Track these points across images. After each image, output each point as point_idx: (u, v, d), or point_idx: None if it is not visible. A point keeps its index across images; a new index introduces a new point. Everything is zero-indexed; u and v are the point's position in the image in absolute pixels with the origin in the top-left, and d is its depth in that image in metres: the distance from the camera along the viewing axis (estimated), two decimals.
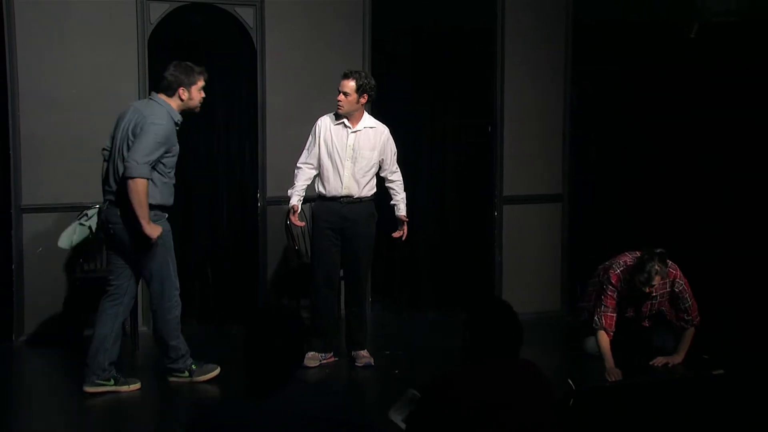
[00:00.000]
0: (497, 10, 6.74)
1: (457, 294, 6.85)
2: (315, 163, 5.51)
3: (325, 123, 5.51)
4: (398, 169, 5.69)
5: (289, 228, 6.29)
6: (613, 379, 5.28)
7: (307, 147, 5.56)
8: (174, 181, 5.09)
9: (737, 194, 6.64)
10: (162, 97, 5.05)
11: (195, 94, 5.11)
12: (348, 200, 5.48)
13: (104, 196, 5.06)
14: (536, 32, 6.84)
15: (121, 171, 4.88)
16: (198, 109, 5.19)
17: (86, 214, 5.60)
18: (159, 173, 4.96)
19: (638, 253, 5.45)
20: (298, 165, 5.56)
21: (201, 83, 5.12)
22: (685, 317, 5.55)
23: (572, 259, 7.06)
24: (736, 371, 5.30)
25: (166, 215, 5.10)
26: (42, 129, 5.90)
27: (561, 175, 7.01)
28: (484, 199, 6.96)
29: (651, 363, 5.55)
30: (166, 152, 4.95)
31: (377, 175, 5.61)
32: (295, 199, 5.49)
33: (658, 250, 5.30)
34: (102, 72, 6.01)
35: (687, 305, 5.52)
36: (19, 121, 5.92)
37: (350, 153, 5.45)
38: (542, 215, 6.99)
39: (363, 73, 5.44)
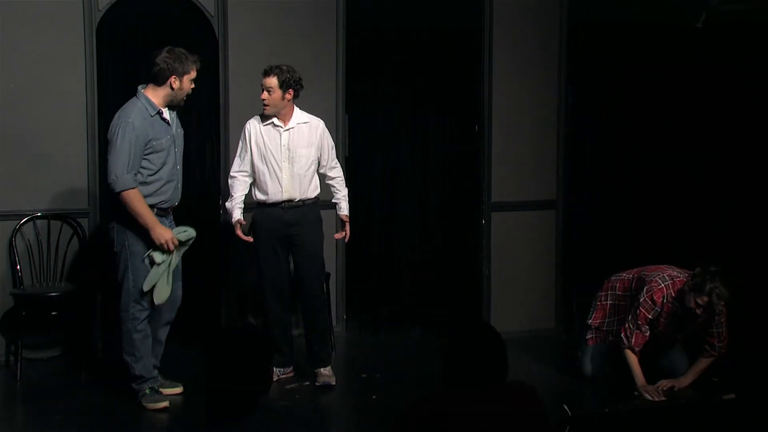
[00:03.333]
0: (486, 7, 6.73)
1: (441, 310, 6.81)
2: (249, 170, 5.46)
3: (254, 126, 5.45)
4: (338, 165, 5.66)
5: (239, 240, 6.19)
6: (654, 398, 5.28)
7: (238, 154, 5.51)
8: (165, 177, 5.10)
9: (737, 199, 6.65)
10: (149, 87, 5.06)
11: (186, 84, 5.08)
12: (290, 205, 5.44)
13: None
14: (528, 28, 6.81)
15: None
16: (183, 102, 5.18)
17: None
18: (149, 174, 5.05)
19: (676, 267, 5.43)
20: (231, 174, 5.52)
21: (194, 73, 5.10)
22: (715, 343, 5.42)
23: (567, 272, 6.99)
24: (749, 395, 5.33)
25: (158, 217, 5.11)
26: None
27: (554, 179, 6.94)
28: (470, 205, 6.91)
29: (656, 386, 5.44)
30: (147, 148, 4.97)
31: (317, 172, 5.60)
32: (237, 213, 5.46)
33: (714, 268, 5.19)
34: (44, 64, 5.89)
35: (720, 330, 5.38)
36: None
37: (286, 154, 5.40)
38: (534, 223, 6.91)
39: (285, 67, 5.35)
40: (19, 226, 5.86)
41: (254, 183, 5.47)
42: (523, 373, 4.01)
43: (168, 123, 5.12)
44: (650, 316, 5.35)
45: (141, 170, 4.99)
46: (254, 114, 6.11)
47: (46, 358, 5.92)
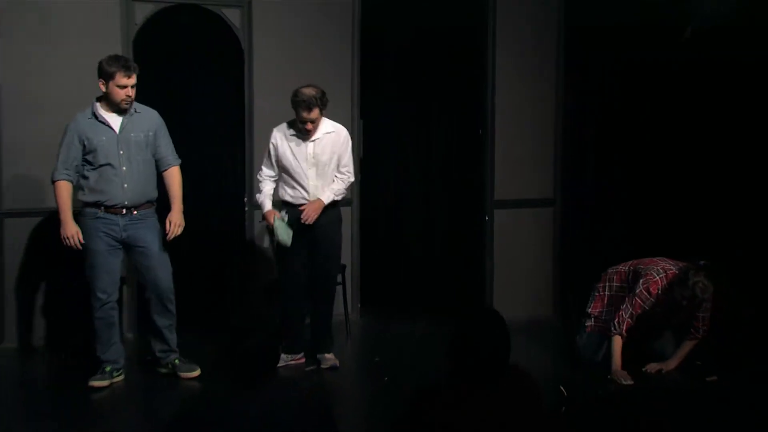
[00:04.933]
0: (488, 11, 6.74)
1: (447, 301, 6.84)
2: (276, 173, 5.49)
3: (281, 134, 5.42)
4: (350, 172, 5.56)
5: (269, 231, 6.27)
6: (623, 381, 5.26)
7: (266, 157, 5.51)
8: (105, 176, 4.99)
9: (734, 197, 6.61)
10: None
11: (112, 88, 4.96)
12: None
13: None
14: (528, 34, 6.83)
15: None
16: (122, 105, 5.01)
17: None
18: (85, 171, 5.03)
19: (671, 260, 5.43)
20: (259, 178, 5.54)
21: (120, 79, 4.94)
22: (699, 326, 5.45)
23: (565, 265, 7.03)
24: (731, 378, 5.35)
25: (97, 211, 5.05)
26: (24, 132, 5.84)
27: (553, 178, 6.98)
28: (474, 203, 6.94)
29: (644, 369, 5.45)
30: (85, 147, 4.98)
31: None
32: (268, 203, 5.45)
33: (703, 263, 5.26)
34: (86, 74, 5.80)
35: (705, 315, 5.42)
36: (0, 124, 5.88)
37: (312, 162, 5.39)
38: (534, 220, 6.96)
39: (318, 95, 5.26)
40: None
41: (280, 184, 5.50)
42: (523, 357, 4.00)
43: (107, 125, 5.01)
44: (646, 307, 5.38)
45: (83, 165, 5.01)
46: (276, 119, 6.21)
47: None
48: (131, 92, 4.99)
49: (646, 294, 5.36)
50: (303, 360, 5.59)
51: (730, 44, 6.41)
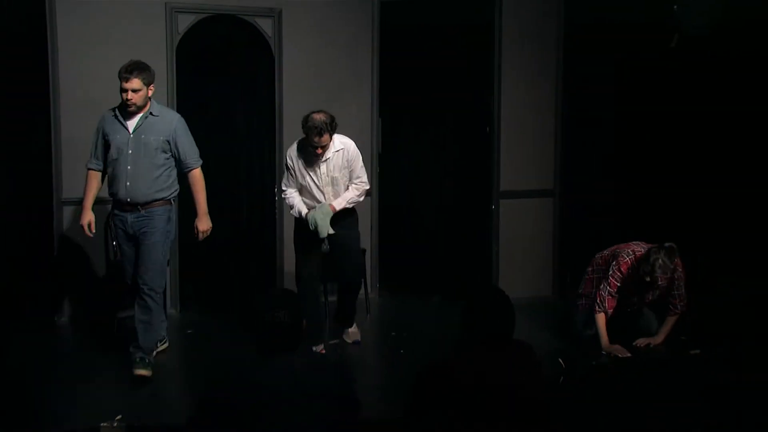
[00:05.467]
0: (494, 18, 6.76)
1: (457, 281, 6.83)
2: (297, 186, 5.43)
3: (294, 158, 5.35)
4: (364, 181, 5.47)
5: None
6: (619, 354, 5.31)
7: (285, 175, 5.46)
8: (113, 171, 4.96)
9: (725, 188, 6.52)
10: None
11: (120, 92, 4.92)
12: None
13: None
14: (530, 36, 6.84)
15: None
16: (128, 108, 4.92)
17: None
18: (107, 165, 5.02)
19: (644, 243, 5.50)
20: (284, 195, 5.47)
21: (121, 83, 4.87)
22: (676, 303, 5.56)
23: (563, 249, 7.08)
24: (711, 351, 5.46)
25: (115, 207, 5.06)
26: (81, 130, 5.86)
27: (553, 172, 7.02)
28: (482, 193, 6.97)
29: (634, 344, 5.55)
30: (105, 143, 4.99)
31: None
32: (304, 208, 5.37)
33: (668, 244, 5.31)
34: None
35: (680, 293, 5.53)
36: (60, 122, 6.00)
37: (327, 179, 5.35)
38: (535, 209, 7.01)
39: (328, 120, 5.16)
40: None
41: (301, 198, 5.45)
42: (525, 332, 3.95)
43: (123, 124, 4.94)
44: (619, 284, 5.45)
45: (105, 159, 5.02)
46: (302, 115, 6.20)
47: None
48: (131, 96, 4.84)
49: (618, 273, 5.44)
50: (323, 351, 5.43)
51: (722, 45, 6.36)
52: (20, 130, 6.03)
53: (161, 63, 6.14)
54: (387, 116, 6.86)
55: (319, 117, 5.16)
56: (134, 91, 4.86)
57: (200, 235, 5.22)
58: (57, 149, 6.03)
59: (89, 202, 5.05)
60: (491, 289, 3.98)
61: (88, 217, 5.02)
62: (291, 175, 5.41)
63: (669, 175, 6.78)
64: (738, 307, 6.10)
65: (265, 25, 6.43)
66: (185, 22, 6.24)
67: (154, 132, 4.96)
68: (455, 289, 6.70)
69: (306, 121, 5.19)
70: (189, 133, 5.13)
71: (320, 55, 6.56)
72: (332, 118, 5.22)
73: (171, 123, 5.02)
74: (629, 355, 5.36)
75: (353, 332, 5.74)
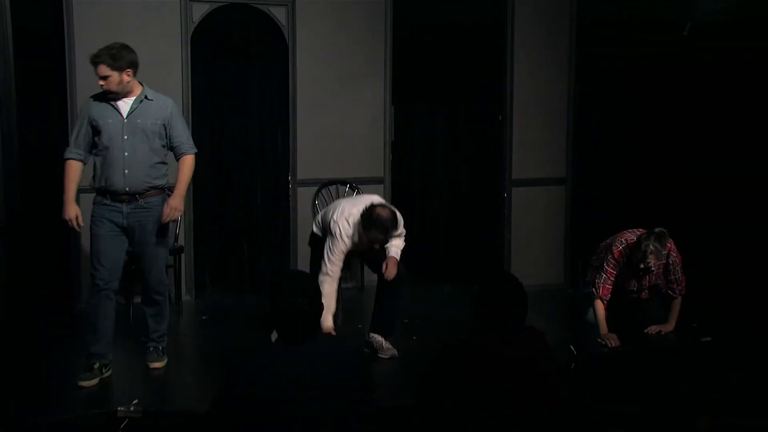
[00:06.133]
0: (507, 8, 6.79)
1: (469, 268, 6.84)
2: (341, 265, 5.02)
3: (349, 242, 4.97)
4: (403, 234, 5.20)
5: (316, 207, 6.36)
6: (611, 343, 5.32)
7: (334, 255, 4.95)
8: (107, 160, 4.61)
9: (732, 178, 6.48)
10: None
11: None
12: None
13: None
14: (542, 27, 6.86)
15: None
16: (111, 95, 4.62)
17: None
18: (95, 155, 4.69)
19: (639, 231, 5.52)
20: (329, 269, 4.94)
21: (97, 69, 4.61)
22: (675, 287, 5.62)
23: (574, 237, 7.10)
24: (722, 338, 5.48)
25: (103, 198, 4.67)
26: None
27: (564, 160, 7.06)
28: (494, 181, 7.00)
29: (645, 331, 5.61)
30: (93, 130, 4.65)
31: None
32: (329, 320, 4.90)
33: (658, 230, 5.36)
34: (151, 67, 5.47)
35: (677, 277, 5.58)
36: (76, 110, 5.90)
37: (369, 256, 5.17)
38: (547, 197, 7.05)
39: (393, 219, 4.91)
40: None
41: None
42: (537, 320, 3.95)
43: (116, 108, 4.64)
44: (614, 271, 5.52)
45: (93, 149, 4.69)
46: (316, 106, 6.37)
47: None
48: (102, 83, 4.58)
49: (612, 261, 5.51)
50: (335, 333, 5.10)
51: (732, 38, 6.30)
52: (37, 120, 6.04)
53: (176, 52, 6.19)
54: (400, 104, 6.89)
55: (385, 214, 4.83)
56: (103, 78, 4.57)
57: (170, 212, 4.71)
58: None
59: (72, 194, 4.64)
60: (503, 274, 3.98)
61: (74, 210, 4.63)
62: (342, 249, 4.96)
63: (681, 163, 6.77)
64: (748, 294, 6.06)
65: (279, 14, 6.45)
66: (200, 11, 6.27)
67: (151, 116, 4.69)
68: (468, 276, 6.66)
69: (370, 216, 4.82)
70: (183, 118, 4.97)
71: (333, 44, 6.58)
72: (394, 214, 4.91)
73: (166, 107, 4.76)
74: (617, 345, 5.34)
75: (389, 347, 5.17)
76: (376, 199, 5.16)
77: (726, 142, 6.53)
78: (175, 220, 4.85)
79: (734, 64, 6.38)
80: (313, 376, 3.00)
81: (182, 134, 4.81)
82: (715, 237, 6.26)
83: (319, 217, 5.35)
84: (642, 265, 5.37)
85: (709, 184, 6.60)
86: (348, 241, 4.96)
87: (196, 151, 4.86)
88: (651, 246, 5.31)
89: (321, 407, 2.97)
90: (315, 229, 5.35)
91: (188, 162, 4.81)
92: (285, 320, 3.08)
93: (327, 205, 6.35)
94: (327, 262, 4.95)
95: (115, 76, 4.57)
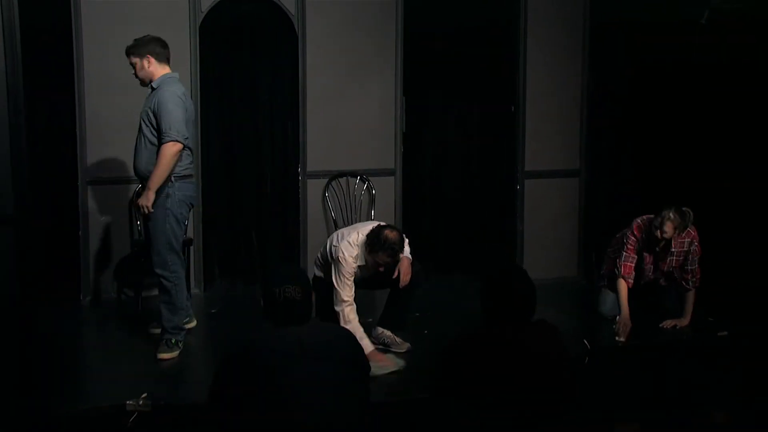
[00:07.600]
0: (521, 5, 6.80)
1: (482, 261, 6.84)
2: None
3: (354, 264, 4.85)
4: (409, 249, 5.10)
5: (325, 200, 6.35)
6: (622, 329, 5.34)
7: (345, 284, 4.81)
8: (145, 146, 4.89)
9: (746, 168, 6.30)
10: None
11: None
12: None
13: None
14: (556, 21, 6.87)
15: None
16: (142, 82, 4.99)
17: None
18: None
19: (649, 216, 5.56)
20: (341, 306, 4.79)
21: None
22: (689, 278, 5.58)
23: (588, 230, 7.10)
24: (739, 333, 5.43)
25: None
26: (105, 109, 5.97)
27: (578, 152, 7.06)
28: (507, 173, 7.02)
29: (660, 325, 5.57)
30: None
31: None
32: (369, 344, 4.73)
33: (684, 208, 5.42)
34: None
35: (693, 268, 5.56)
36: (84, 101, 6.03)
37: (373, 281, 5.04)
38: (560, 189, 7.06)
39: (400, 242, 4.81)
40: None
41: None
42: (550, 313, 4.02)
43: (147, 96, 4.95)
44: (635, 248, 5.56)
45: None
46: (326, 97, 6.34)
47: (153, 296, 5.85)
48: (135, 71, 4.92)
49: (633, 238, 5.56)
50: None
51: (749, 31, 6.13)
52: (45, 110, 6.05)
53: (185, 41, 6.18)
54: (411, 95, 6.84)
55: (393, 236, 4.73)
56: (132, 66, 4.96)
57: (136, 207, 4.94)
58: (81, 129, 6.06)
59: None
60: (509, 266, 3.99)
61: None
62: (349, 275, 4.83)
63: (695, 156, 6.62)
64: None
65: (289, 4, 6.43)
66: (209, 1, 6.24)
67: (148, 104, 4.89)
68: (480, 268, 6.61)
69: (378, 237, 4.71)
70: (172, 107, 4.80)
71: (344, 34, 6.55)
72: (402, 236, 4.83)
73: (156, 95, 4.85)
74: (623, 340, 5.33)
75: (400, 342, 5.14)
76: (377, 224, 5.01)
77: (741, 138, 6.45)
78: (146, 217, 4.89)
79: (751, 58, 6.26)
80: (301, 349, 3.06)
81: (163, 122, 4.78)
82: (730, 230, 6.11)
83: (319, 255, 5.21)
84: (659, 234, 5.37)
85: (724, 179, 6.43)
86: (353, 263, 4.83)
87: (174, 139, 4.77)
88: (670, 214, 5.36)
89: (327, 401, 3.00)
90: (316, 271, 5.20)
91: (163, 151, 4.78)
92: (278, 307, 3.19)
93: (337, 196, 6.60)
94: (339, 289, 4.81)
95: (138, 64, 4.93)
